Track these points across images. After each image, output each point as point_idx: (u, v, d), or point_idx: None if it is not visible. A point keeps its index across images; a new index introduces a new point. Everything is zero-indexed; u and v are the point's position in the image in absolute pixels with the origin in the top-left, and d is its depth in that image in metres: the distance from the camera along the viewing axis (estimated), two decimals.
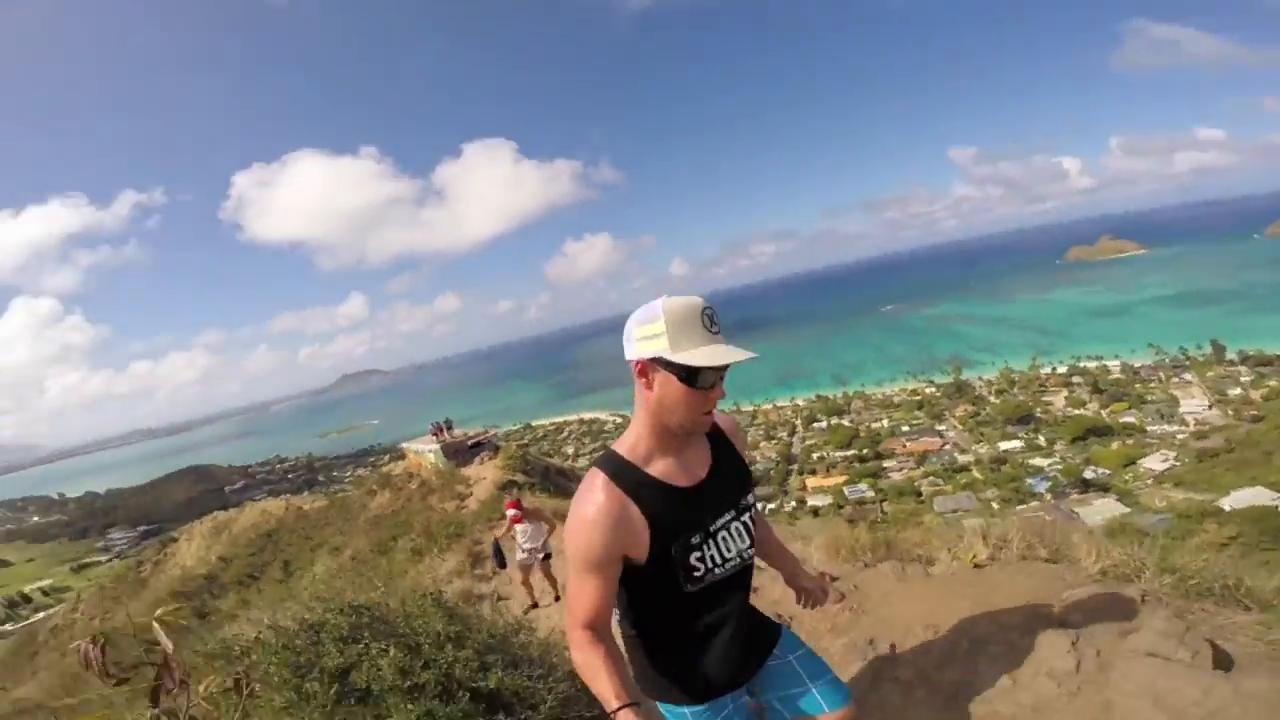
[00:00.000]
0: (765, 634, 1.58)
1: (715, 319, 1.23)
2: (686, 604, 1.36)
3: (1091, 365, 72.00)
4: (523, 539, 6.21)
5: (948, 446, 57.83)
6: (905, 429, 64.87)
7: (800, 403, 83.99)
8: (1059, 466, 47.91)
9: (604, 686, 1.23)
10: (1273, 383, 54.23)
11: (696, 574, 1.32)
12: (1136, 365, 68.64)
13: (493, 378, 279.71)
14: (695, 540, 1.31)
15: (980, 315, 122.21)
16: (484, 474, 25.16)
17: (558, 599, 6.20)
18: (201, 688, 1.58)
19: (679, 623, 1.40)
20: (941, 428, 63.42)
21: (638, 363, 1.25)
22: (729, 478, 1.41)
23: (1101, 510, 39.40)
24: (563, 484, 27.89)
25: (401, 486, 28.84)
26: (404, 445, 36.73)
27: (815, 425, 71.69)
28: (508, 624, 3.82)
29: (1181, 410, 54.30)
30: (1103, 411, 57.76)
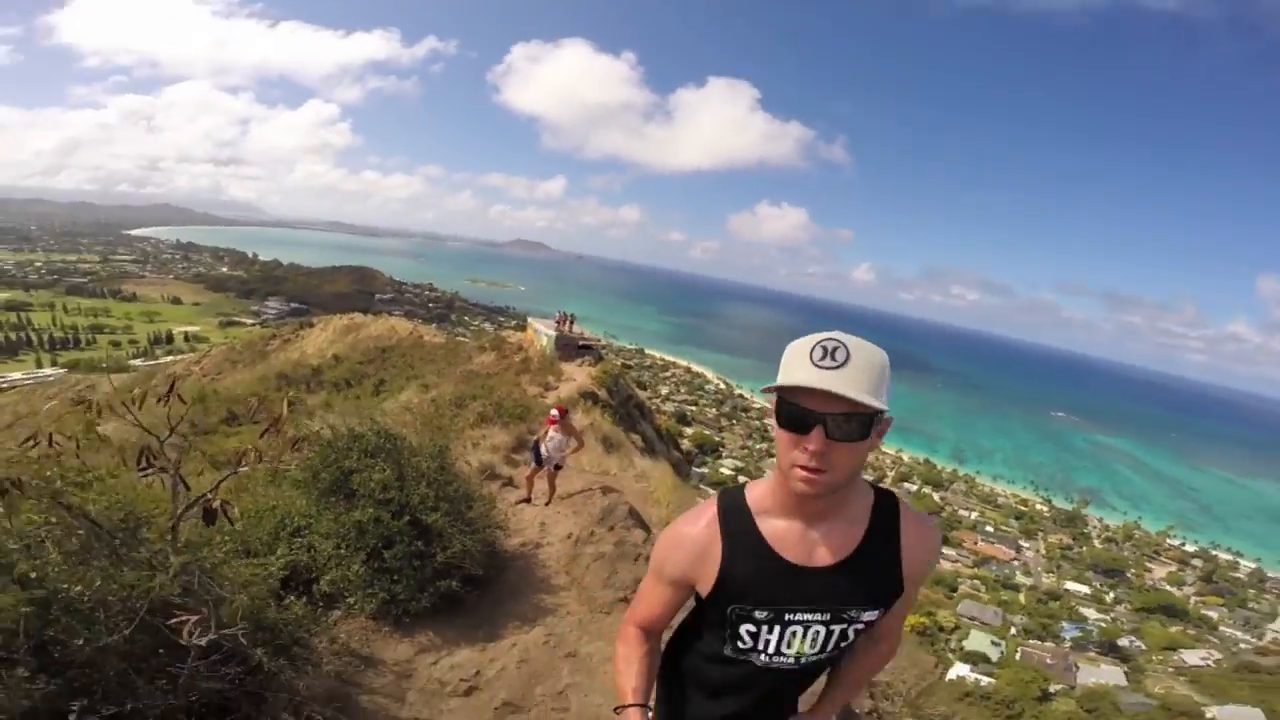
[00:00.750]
0: None
1: (834, 354, 0.99)
2: (719, 661, 1.25)
3: (1224, 557, 64.16)
4: (549, 444, 6.65)
5: (1016, 562, 55.61)
6: (989, 529, 61.66)
7: (905, 458, 79.47)
8: (1103, 625, 46.39)
9: (624, 681, 1.25)
10: None
11: (741, 645, 1.19)
12: (1271, 575, 61.24)
13: (636, 294, 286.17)
14: (760, 616, 1.16)
15: (1152, 467, 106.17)
16: (576, 376, 26.14)
17: (548, 503, 6.79)
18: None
19: (704, 672, 1.30)
20: (1026, 544, 60.32)
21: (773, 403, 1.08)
22: (859, 581, 1.15)
23: (1104, 675, 38.89)
24: (635, 418, 28.52)
25: (507, 355, 30.97)
26: (530, 319, 39.10)
27: (904, 485, 68.46)
28: (482, 496, 5.26)
29: (1273, 625, 49.36)
30: (1193, 597, 53.66)
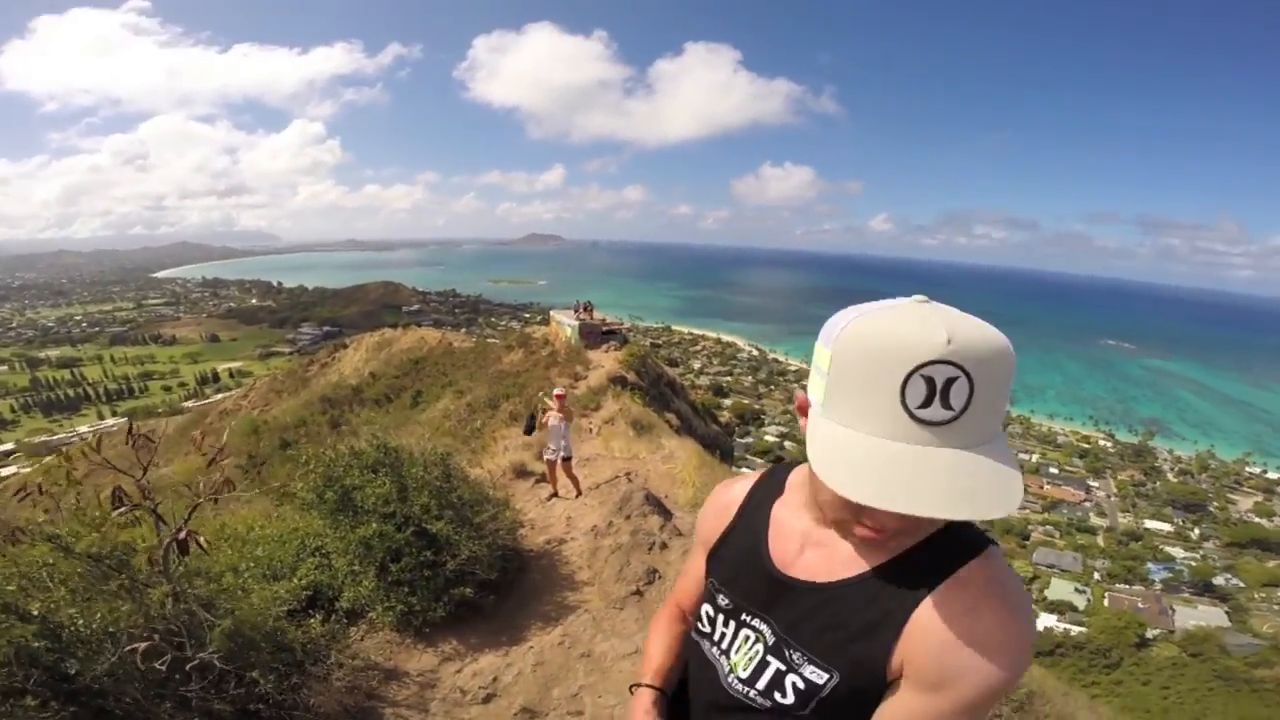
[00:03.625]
0: None
1: (950, 395, 0.62)
2: (693, 636, 1.04)
3: None
4: (550, 433, 6.77)
5: (1088, 504, 52.69)
6: (1053, 470, 58.84)
7: None
8: (1194, 562, 43.64)
9: (648, 659, 1.14)
10: None
11: (701, 627, 1.01)
12: None
13: (654, 272, 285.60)
14: (721, 602, 0.97)
15: (1216, 388, 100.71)
16: (603, 362, 26.41)
17: (578, 495, 6.85)
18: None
19: (690, 642, 1.07)
20: (1095, 484, 57.11)
21: (799, 393, 0.80)
22: (825, 623, 0.82)
23: (1203, 616, 36.71)
24: (668, 397, 28.60)
25: (534, 350, 31.44)
26: (552, 312, 39.62)
27: None
28: (493, 500, 5.19)
29: None
30: None
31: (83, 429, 72.30)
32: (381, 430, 4.88)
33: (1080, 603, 37.78)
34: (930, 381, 0.61)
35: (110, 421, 71.98)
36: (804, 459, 0.82)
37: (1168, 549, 46.41)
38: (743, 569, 0.95)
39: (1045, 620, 33.21)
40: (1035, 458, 62.28)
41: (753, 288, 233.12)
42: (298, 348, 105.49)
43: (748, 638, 0.92)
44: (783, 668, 0.85)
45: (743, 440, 52.91)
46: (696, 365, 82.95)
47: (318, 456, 4.27)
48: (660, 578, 4.53)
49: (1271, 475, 61.65)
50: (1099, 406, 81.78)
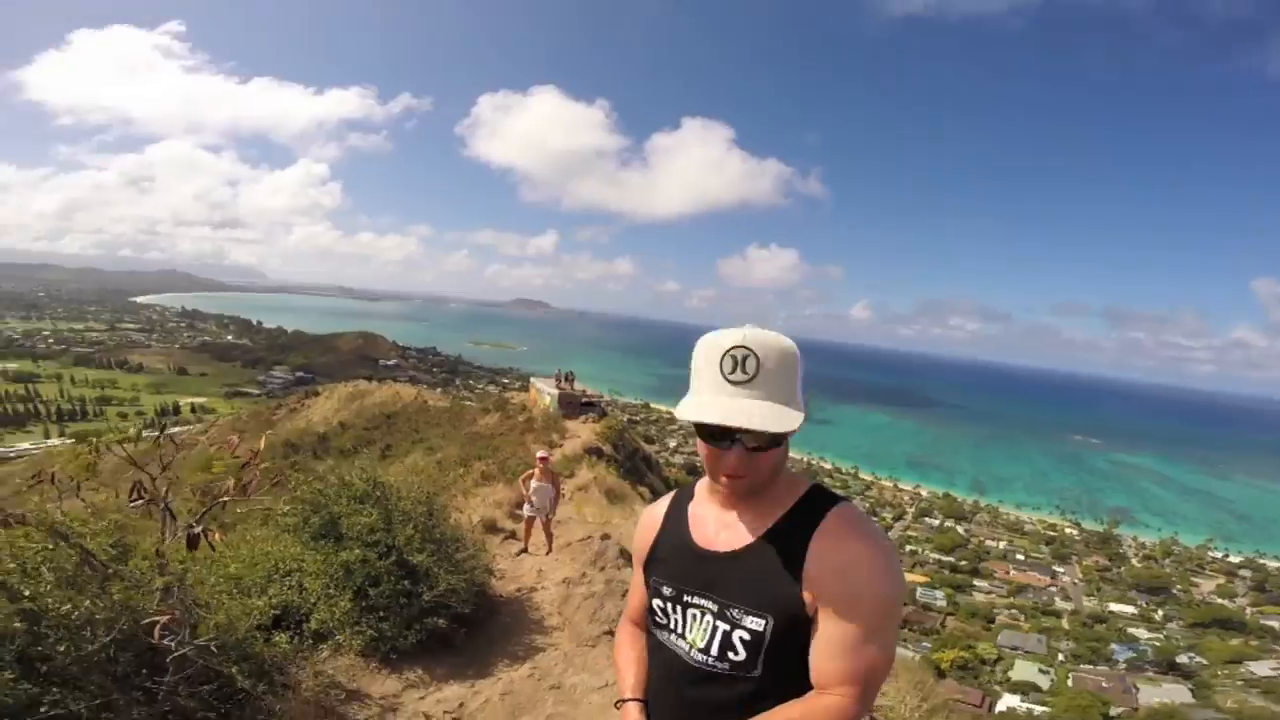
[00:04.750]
0: None
1: (745, 364, 0.98)
2: (650, 633, 1.25)
3: (1272, 565, 62.43)
4: (534, 494, 7.09)
5: (1053, 588, 53.52)
6: (1019, 556, 59.86)
7: (924, 493, 78.57)
8: (1157, 643, 44.27)
9: (624, 676, 1.28)
10: None
11: (658, 620, 1.20)
12: None
13: (638, 347, 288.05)
14: (666, 592, 1.17)
15: (1179, 480, 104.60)
16: (580, 432, 26.29)
17: (548, 553, 7.12)
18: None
19: (649, 645, 1.27)
20: (1060, 569, 58.15)
21: None
22: (744, 576, 1.06)
23: (1167, 694, 37.17)
24: (642, 471, 28.39)
25: (511, 416, 31.12)
26: (533, 379, 39.56)
27: (925, 520, 67.41)
28: (472, 541, 5.60)
29: None
30: (1249, 608, 51.61)
31: (23, 445, 69.34)
32: (370, 465, 5.09)
33: (1045, 683, 37.68)
34: (734, 357, 0.98)
35: (55, 441, 68.67)
36: None
37: (1132, 630, 46.83)
38: (675, 558, 1.18)
39: (1009, 700, 32.80)
40: (1003, 544, 63.03)
41: None
42: (266, 390, 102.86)
43: (695, 615, 1.12)
44: (728, 627, 1.06)
45: None
46: (672, 444, 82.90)
47: (308, 483, 4.46)
48: None
49: (1233, 559, 63.35)
50: (1066, 497, 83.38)
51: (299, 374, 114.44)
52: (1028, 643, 43.18)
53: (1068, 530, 69.78)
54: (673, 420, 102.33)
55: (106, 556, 2.32)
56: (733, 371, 0.97)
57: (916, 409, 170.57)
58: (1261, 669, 41.03)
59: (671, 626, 1.16)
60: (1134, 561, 61.55)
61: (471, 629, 4.59)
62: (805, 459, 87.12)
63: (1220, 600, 53.38)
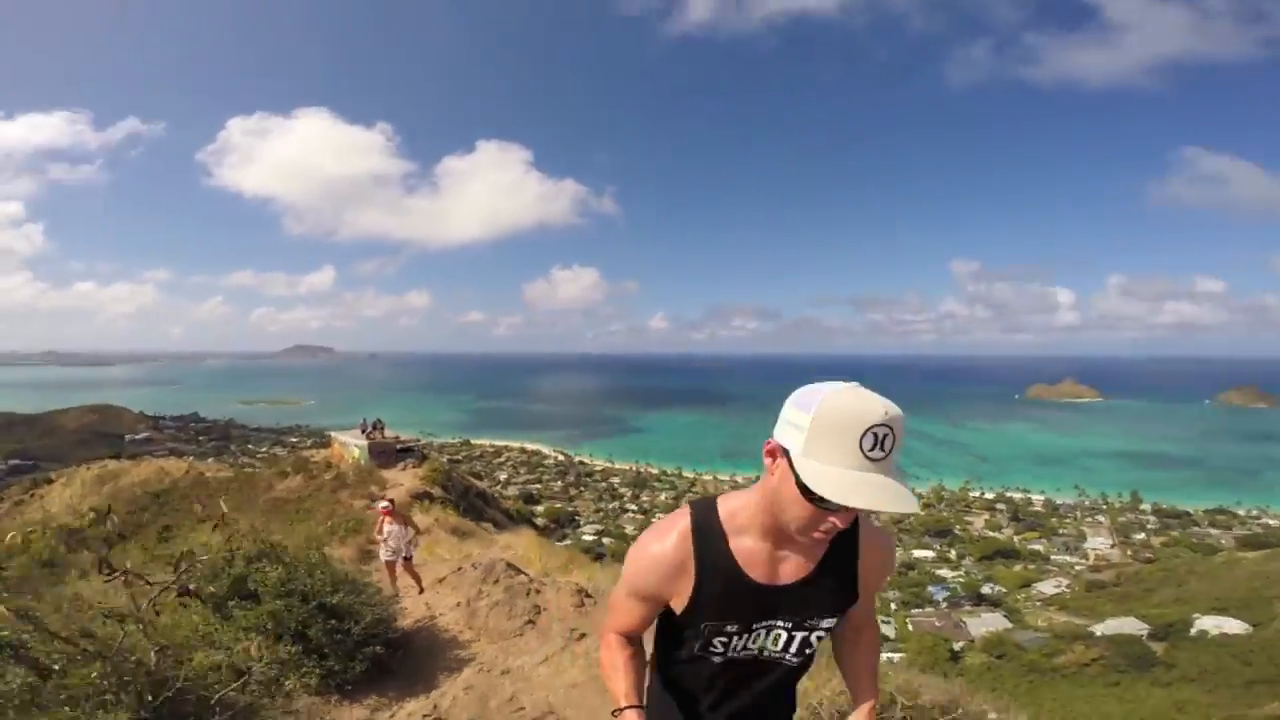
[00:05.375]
0: None
1: (885, 444, 0.98)
2: (692, 661, 1.31)
3: (1017, 496, 78.00)
4: (389, 538, 7.18)
5: None
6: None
7: (740, 479, 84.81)
8: (961, 579, 51.99)
9: (616, 685, 1.29)
10: (1175, 533, 61.76)
11: (715, 651, 1.26)
12: (1058, 502, 75.72)
13: (445, 384, 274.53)
14: (730, 629, 1.23)
15: (929, 433, 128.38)
16: (402, 480, 24.51)
17: (421, 591, 7.04)
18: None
19: (682, 670, 1.35)
20: None
21: (771, 440, 1.10)
22: (820, 595, 1.24)
23: (988, 623, 42.77)
24: (480, 508, 27.11)
25: (316, 475, 27.50)
26: (331, 434, 35.33)
27: None
28: (368, 581, 5.65)
29: (1086, 545, 60.24)
30: (1015, 537, 63.28)
31: None
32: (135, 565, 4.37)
33: (891, 633, 41.35)
34: (875, 435, 0.97)
35: None
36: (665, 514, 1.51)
37: (938, 572, 54.33)
38: (736, 600, 1.21)
39: None
40: None
41: (549, 394, 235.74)
42: None
43: (762, 633, 1.25)
44: (806, 633, 1.25)
45: (561, 544, 51.94)
46: (503, 476, 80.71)
47: (192, 555, 4.31)
48: (545, 611, 5.55)
49: (989, 496, 78.02)
50: None
51: (13, 462, 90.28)
52: None
53: None
54: (499, 453, 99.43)
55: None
56: (873, 449, 0.97)
57: (717, 405, 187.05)
58: (1047, 588, 50.15)
59: (736, 650, 1.26)
60: (917, 511, 73.03)
61: (405, 653, 4.98)
62: (632, 467, 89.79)
63: (992, 533, 64.62)
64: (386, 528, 7.19)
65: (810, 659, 1.31)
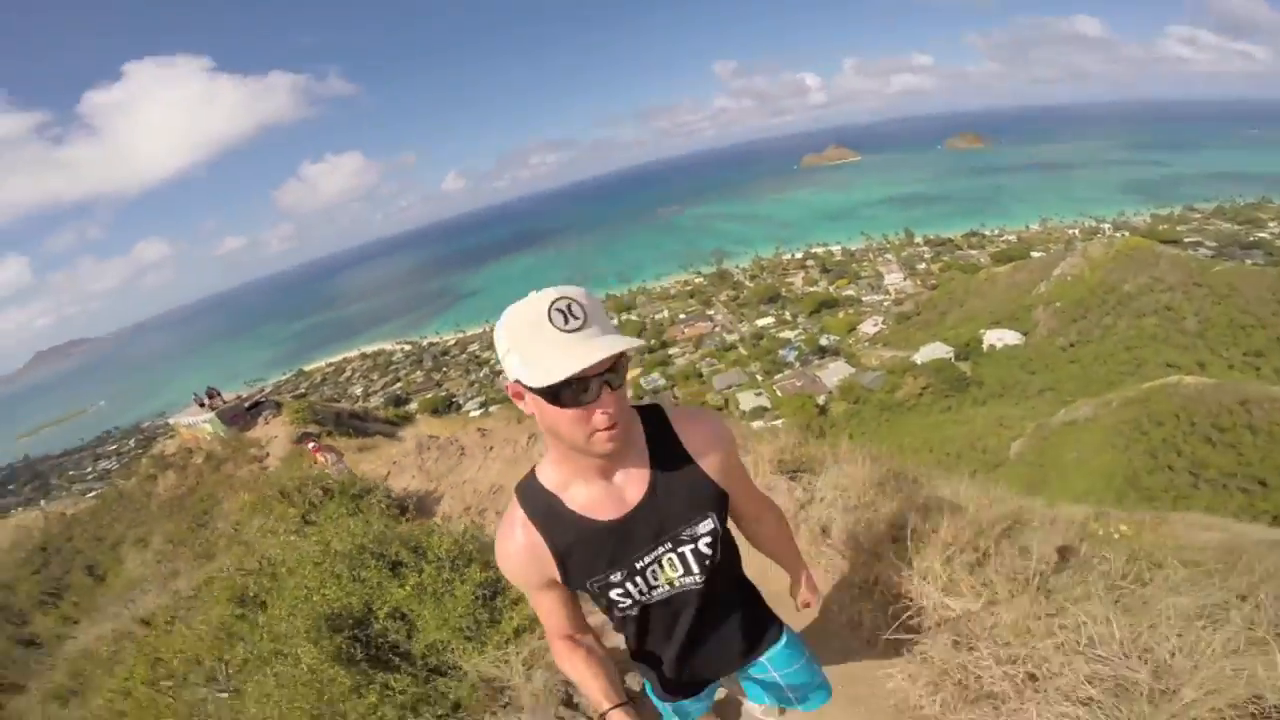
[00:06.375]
0: (747, 639, 1.39)
1: (575, 310, 0.93)
2: (626, 624, 1.27)
3: (820, 251, 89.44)
4: (328, 467, 7.78)
5: (717, 329, 67.15)
6: (682, 316, 73.57)
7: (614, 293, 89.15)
8: (802, 337, 58.01)
9: (591, 690, 1.18)
10: (946, 259, 74.63)
11: (621, 606, 1.19)
12: (853, 249, 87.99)
13: (239, 327, 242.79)
14: (615, 578, 1.16)
15: (734, 213, 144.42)
16: (274, 432, 24.33)
17: None
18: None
19: (632, 640, 1.32)
20: (711, 312, 73.60)
21: (506, 385, 1.02)
22: (671, 504, 1.14)
23: (837, 372, 46.99)
24: (360, 426, 27.80)
25: (185, 464, 26.77)
26: (171, 421, 33.11)
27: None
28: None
29: (885, 282, 70.13)
30: (830, 288, 71.97)
31: None
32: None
33: (767, 403, 44.59)
34: (560, 311, 0.92)
35: None
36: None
37: (782, 335, 59.99)
38: (596, 547, 1.14)
39: (755, 425, 44.38)
40: (666, 313, 75.90)
41: (362, 291, 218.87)
42: None
43: (655, 567, 1.18)
44: (690, 544, 1.17)
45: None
46: (358, 390, 77.85)
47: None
48: (465, 449, 7.97)
49: (799, 255, 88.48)
50: (680, 256, 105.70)
51: None
52: (734, 378, 50.20)
53: (697, 280, 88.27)
54: (339, 370, 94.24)
55: None
56: (567, 322, 0.93)
57: (543, 241, 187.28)
58: (869, 328, 56.80)
59: (641, 596, 1.19)
60: (748, 283, 79.81)
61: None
62: (485, 328, 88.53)
63: (811, 289, 71.89)
64: (320, 459, 8.03)
65: (716, 569, 1.21)
